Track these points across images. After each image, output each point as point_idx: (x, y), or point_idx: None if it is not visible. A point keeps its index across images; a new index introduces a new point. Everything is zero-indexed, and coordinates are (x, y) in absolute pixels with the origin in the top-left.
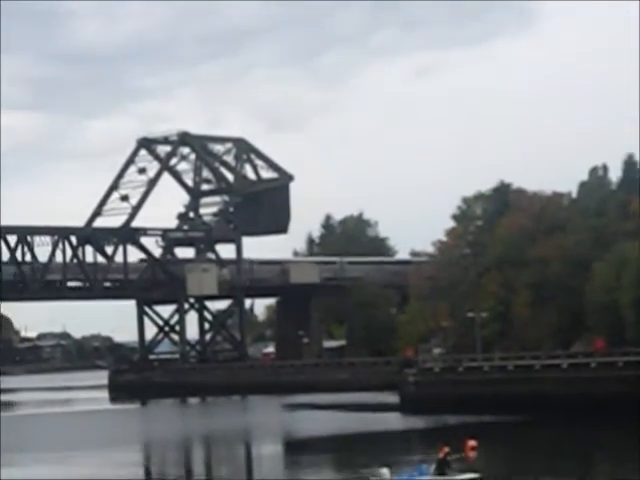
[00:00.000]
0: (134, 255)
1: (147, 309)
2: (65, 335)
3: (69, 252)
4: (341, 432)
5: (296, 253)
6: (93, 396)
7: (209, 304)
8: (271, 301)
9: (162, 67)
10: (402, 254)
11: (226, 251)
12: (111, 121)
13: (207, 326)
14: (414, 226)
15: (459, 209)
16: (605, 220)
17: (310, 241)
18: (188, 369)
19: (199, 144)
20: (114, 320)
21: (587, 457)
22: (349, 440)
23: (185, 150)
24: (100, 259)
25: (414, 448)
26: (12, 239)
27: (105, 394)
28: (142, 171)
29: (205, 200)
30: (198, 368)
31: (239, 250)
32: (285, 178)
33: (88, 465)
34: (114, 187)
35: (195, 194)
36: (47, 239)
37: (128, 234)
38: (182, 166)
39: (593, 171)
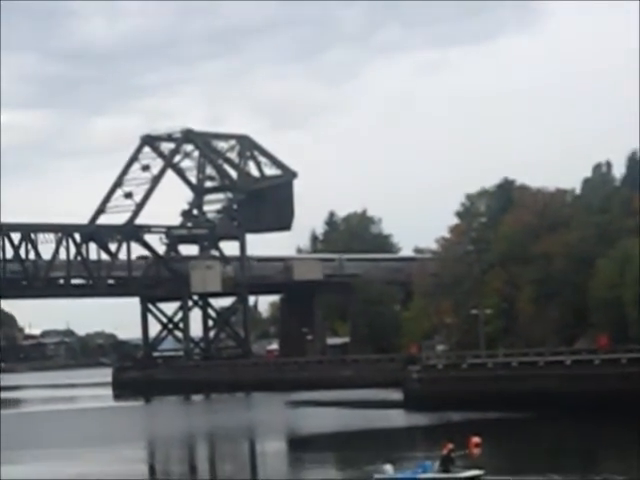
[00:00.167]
0: (138, 252)
1: (151, 306)
2: (69, 332)
3: (73, 249)
4: (345, 429)
5: (300, 250)
6: (97, 393)
7: (213, 301)
8: (275, 298)
9: (166, 64)
10: (406, 251)
11: (230, 248)
12: (115, 118)
13: (211, 323)
14: (418, 223)
15: (463, 206)
16: (609, 217)
17: (314, 238)
18: (192, 366)
19: (203, 141)
20: (118, 317)
21: (591, 454)
22: (353, 437)
23: (189, 147)
24: (104, 256)
25: (418, 445)
26: (16, 236)
27: (109, 391)
28: (146, 168)
29: (209, 197)
30: (202, 365)
31: (243, 247)
32: (288, 175)
33: (92, 462)
34: (118, 184)
35: (199, 191)
36: (51, 236)
37: (132, 231)
38: (186, 163)
39: (597, 168)
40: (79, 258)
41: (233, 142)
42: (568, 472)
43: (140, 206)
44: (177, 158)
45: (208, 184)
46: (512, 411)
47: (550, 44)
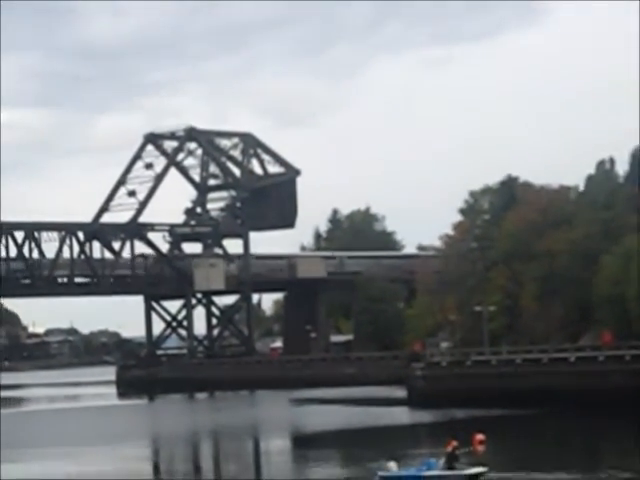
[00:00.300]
0: (141, 251)
1: (154, 304)
2: (73, 331)
3: (76, 248)
4: (349, 427)
5: (303, 248)
6: (101, 392)
7: (216, 299)
8: (278, 296)
9: (169, 63)
10: (409, 248)
11: (233, 246)
12: (118, 117)
13: (215, 321)
14: (421, 220)
15: (466, 203)
16: (612, 213)
17: (317, 236)
18: (196, 364)
19: (206, 139)
20: (121, 316)
21: (595, 450)
22: (357, 434)
23: (192, 145)
24: (107, 255)
25: (422, 442)
26: (19, 235)
27: (113, 390)
28: (149, 166)
29: (212, 195)
30: (206, 363)
31: (246, 245)
32: (292, 173)
33: (97, 460)
34: (121, 182)
35: (202, 189)
36: (54, 235)
37: (135, 229)
38: (189, 161)
39: (600, 164)
40: (82, 256)
41: (236, 140)
42: (572, 469)
43: (143, 204)
44: (180, 156)
45: (211, 182)
46: (516, 408)
47: (553, 40)
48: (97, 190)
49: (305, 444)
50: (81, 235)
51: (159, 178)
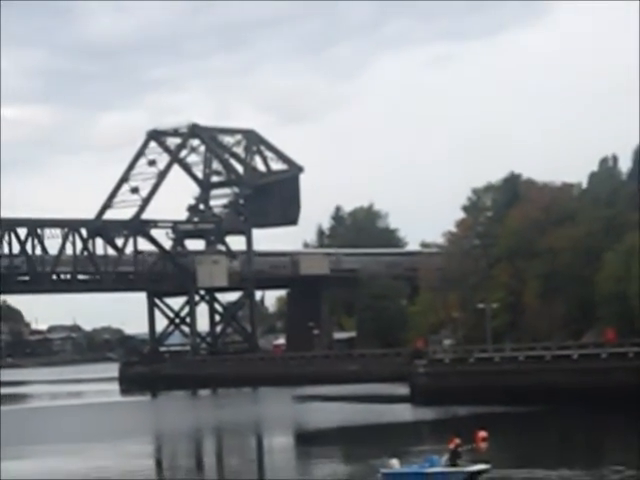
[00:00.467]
0: (144, 247)
1: (157, 301)
2: (75, 327)
3: (79, 245)
4: (351, 423)
5: (306, 245)
6: (104, 388)
7: (219, 296)
8: (281, 293)
9: (172, 60)
10: (412, 245)
11: (236, 243)
12: (121, 114)
13: (217, 318)
14: (424, 217)
15: (469, 200)
16: (615, 211)
17: (320, 233)
18: (199, 361)
19: (209, 136)
20: (124, 312)
21: (597, 447)
22: (359, 432)
23: (195, 142)
24: (110, 251)
25: (424, 439)
26: (22, 232)
27: (116, 386)
28: (152, 163)
29: (215, 192)
30: (209, 360)
31: (249, 242)
32: (295, 170)
33: (100, 457)
34: (124, 179)
35: (205, 186)
36: (57, 232)
37: (138, 226)
38: (192, 158)
39: (603, 162)
40: (85, 253)
41: (239, 137)
42: (575, 465)
43: (146, 201)
44: (183, 153)
45: (214, 179)
46: (519, 405)
47: (554, 39)
48: (100, 187)
49: (308, 441)
50: (84, 232)
51: (162, 175)
